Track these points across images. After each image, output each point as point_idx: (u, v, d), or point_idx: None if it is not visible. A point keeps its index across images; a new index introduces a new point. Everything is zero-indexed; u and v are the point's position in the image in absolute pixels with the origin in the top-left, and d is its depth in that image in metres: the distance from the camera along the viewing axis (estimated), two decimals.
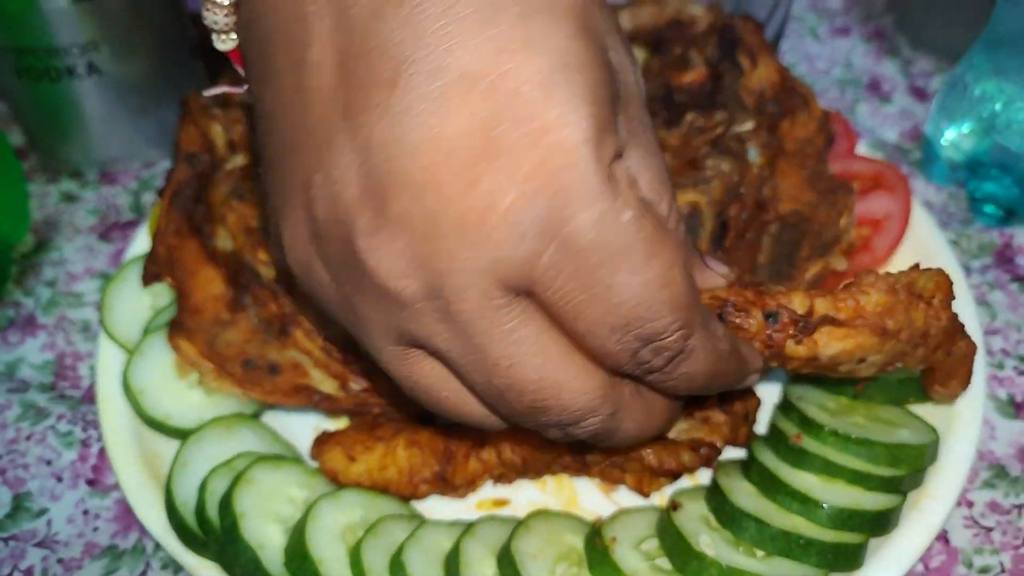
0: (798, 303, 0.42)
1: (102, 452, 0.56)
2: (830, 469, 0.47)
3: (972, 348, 0.46)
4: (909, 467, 0.47)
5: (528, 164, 0.30)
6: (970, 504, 0.53)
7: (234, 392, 0.51)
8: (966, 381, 0.48)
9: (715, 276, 0.43)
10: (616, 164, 0.32)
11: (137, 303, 0.59)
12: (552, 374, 0.34)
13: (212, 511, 0.46)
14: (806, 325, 0.42)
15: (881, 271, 0.44)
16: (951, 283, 0.43)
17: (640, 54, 0.76)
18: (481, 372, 0.35)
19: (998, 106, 0.65)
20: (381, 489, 0.50)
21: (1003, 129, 0.65)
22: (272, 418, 0.56)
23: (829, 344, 0.43)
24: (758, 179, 0.57)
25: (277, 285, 0.52)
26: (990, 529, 0.52)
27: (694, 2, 0.73)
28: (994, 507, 0.53)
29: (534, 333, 0.34)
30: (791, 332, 0.42)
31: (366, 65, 0.31)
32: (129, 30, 0.68)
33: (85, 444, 0.56)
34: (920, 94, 0.82)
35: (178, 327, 0.51)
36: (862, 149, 0.69)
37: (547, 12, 0.31)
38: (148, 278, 0.54)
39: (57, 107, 0.71)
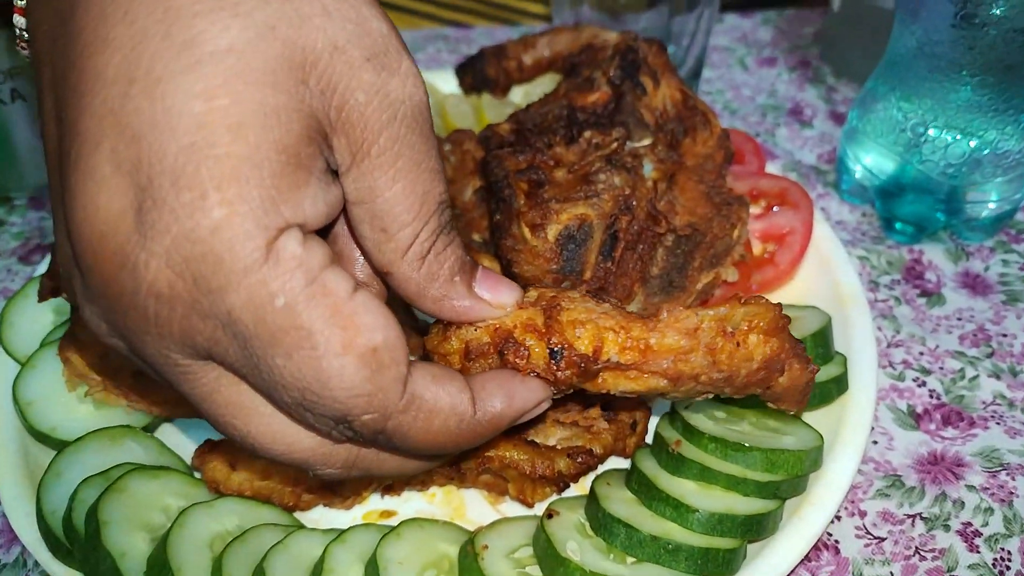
0: (586, 341, 0.41)
1: None
2: (707, 475, 0.47)
3: (808, 375, 0.44)
4: (786, 472, 0.47)
5: (162, 250, 0.30)
6: (863, 514, 0.52)
7: (120, 404, 0.51)
8: (800, 403, 0.45)
9: (490, 308, 0.41)
10: (281, 237, 0.31)
11: (39, 319, 0.59)
12: (257, 431, 0.35)
13: (79, 519, 0.45)
14: (587, 370, 0.40)
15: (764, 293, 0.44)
16: (776, 315, 0.41)
17: (556, 79, 0.77)
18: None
19: (909, 130, 0.66)
20: (264, 499, 0.50)
21: (917, 152, 0.66)
22: (166, 431, 0.56)
23: (617, 384, 0.42)
24: (652, 193, 0.57)
25: None
26: (882, 539, 0.51)
27: (610, 29, 0.75)
28: (887, 516, 0.52)
29: (233, 394, 0.34)
30: (574, 373, 0.41)
31: (70, 126, 0.31)
32: None
33: None
34: (840, 119, 0.84)
35: (69, 339, 0.51)
36: (776, 170, 0.70)
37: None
38: (44, 293, 0.54)
39: None
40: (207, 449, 0.51)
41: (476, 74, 0.78)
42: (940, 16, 0.63)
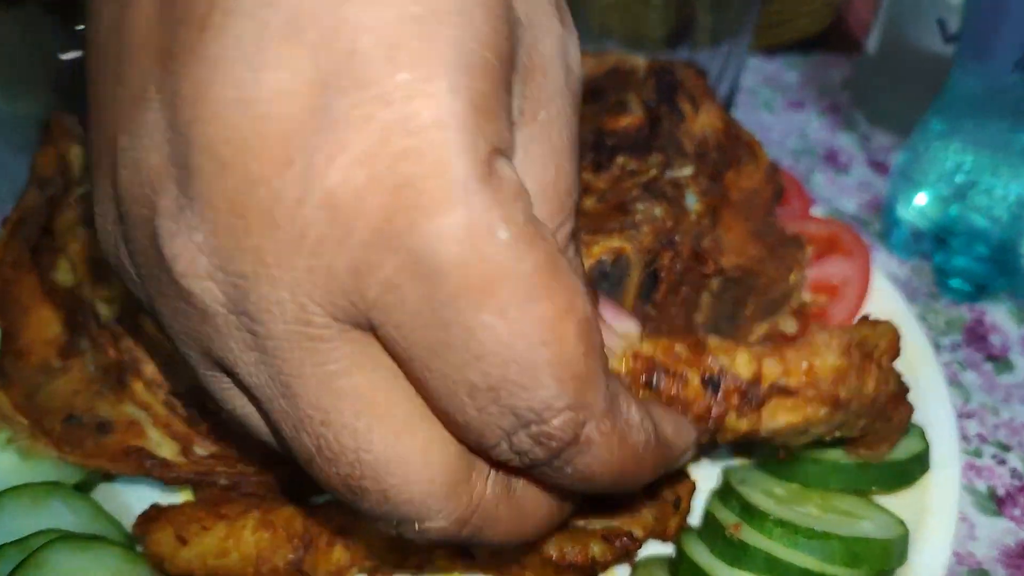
0: (743, 364, 0.34)
1: None
2: (775, 569, 0.38)
3: (909, 412, 0.40)
4: (872, 567, 0.38)
5: (361, 144, 0.22)
6: None
7: (49, 454, 0.42)
8: (893, 444, 0.41)
9: (614, 333, 0.34)
10: (497, 159, 0.23)
11: None
12: (380, 446, 0.25)
13: None
14: (754, 397, 0.34)
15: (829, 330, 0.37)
16: (899, 337, 0.37)
17: None
18: (288, 423, 0.26)
19: (961, 176, 0.60)
20: None
21: (971, 199, 0.60)
22: (106, 492, 0.46)
23: (775, 418, 0.35)
24: (696, 228, 0.50)
25: (118, 326, 0.43)
26: None
27: (635, 54, 0.68)
28: None
29: (366, 384, 0.24)
30: (735, 403, 0.34)
31: None
32: (11, 60, 0.62)
33: None
34: (879, 167, 0.77)
35: None
36: (818, 215, 0.63)
37: None
38: None
39: None
40: (153, 515, 0.41)
41: None
42: (1005, 58, 0.57)
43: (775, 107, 0.86)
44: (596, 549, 0.39)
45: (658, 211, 0.49)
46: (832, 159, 0.78)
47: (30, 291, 0.46)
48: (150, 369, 0.42)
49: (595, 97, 0.67)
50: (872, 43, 0.82)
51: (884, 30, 0.80)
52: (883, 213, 0.68)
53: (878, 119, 0.84)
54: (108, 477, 0.46)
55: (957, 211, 0.61)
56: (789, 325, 0.48)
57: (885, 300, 0.55)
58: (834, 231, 0.58)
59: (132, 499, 0.46)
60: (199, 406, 0.42)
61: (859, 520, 0.41)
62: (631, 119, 0.57)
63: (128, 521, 0.43)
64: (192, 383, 0.42)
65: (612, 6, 0.78)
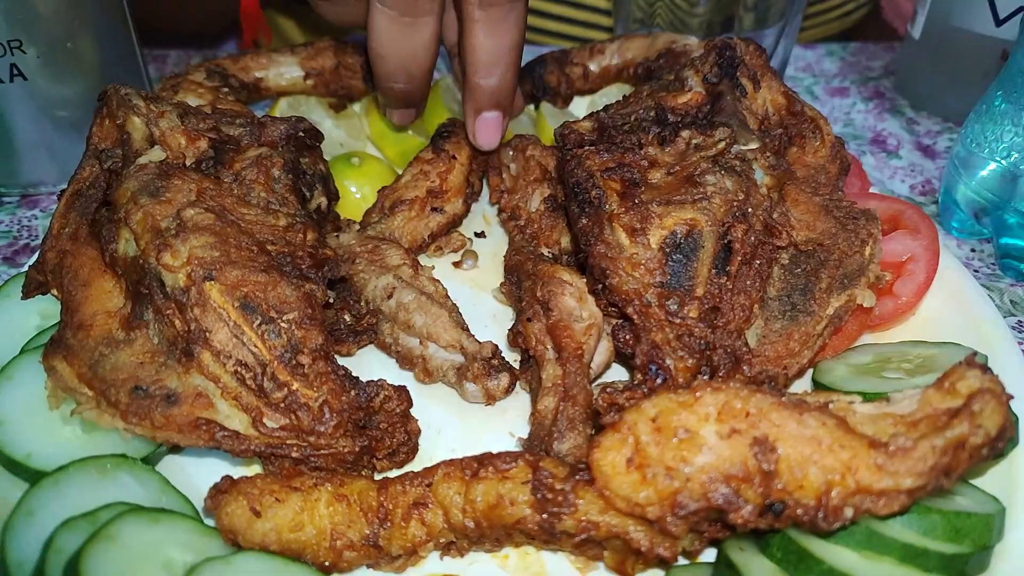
0: (810, 490, 0.35)
1: None
2: (875, 543, 0.37)
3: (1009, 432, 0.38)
4: (975, 542, 0.37)
5: None
6: None
7: (115, 425, 0.41)
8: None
9: None
10: None
11: (21, 322, 0.49)
12: None
13: (54, 573, 0.34)
14: (812, 523, 0.36)
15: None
16: (1006, 426, 0.36)
17: (623, 90, 0.69)
18: None
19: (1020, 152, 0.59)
20: (293, 555, 0.39)
21: None
22: (170, 466, 0.45)
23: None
24: (766, 201, 0.48)
25: (185, 295, 0.42)
26: None
27: (686, 35, 0.67)
28: None
29: None
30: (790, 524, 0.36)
31: None
32: (62, 32, 0.61)
33: None
34: (928, 151, 0.76)
35: (56, 345, 0.41)
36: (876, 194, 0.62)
37: None
38: (30, 288, 0.44)
39: None
40: (225, 488, 0.40)
41: (535, 81, 0.70)
42: None
43: (818, 94, 0.85)
44: (686, 541, 0.38)
45: (729, 183, 0.48)
46: (880, 143, 0.77)
47: (90, 263, 0.45)
48: (218, 339, 0.41)
49: (650, 76, 0.66)
50: (916, 29, 0.81)
51: (929, 15, 0.79)
52: (941, 194, 0.66)
53: (923, 104, 0.83)
54: (173, 450, 0.45)
55: (1020, 188, 0.60)
56: (867, 298, 0.46)
57: (952, 275, 0.54)
58: (898, 209, 0.57)
59: (194, 473, 0.45)
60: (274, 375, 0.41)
61: (954, 496, 0.40)
62: (692, 96, 0.55)
63: (194, 495, 0.42)
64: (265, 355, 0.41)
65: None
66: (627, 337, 0.45)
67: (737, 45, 0.57)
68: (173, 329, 0.42)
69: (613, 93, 0.70)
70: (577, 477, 0.38)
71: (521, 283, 0.52)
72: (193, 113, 0.51)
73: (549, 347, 0.47)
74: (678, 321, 0.44)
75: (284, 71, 0.66)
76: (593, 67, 0.70)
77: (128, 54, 0.68)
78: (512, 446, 0.47)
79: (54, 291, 0.45)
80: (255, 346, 0.41)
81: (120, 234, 0.44)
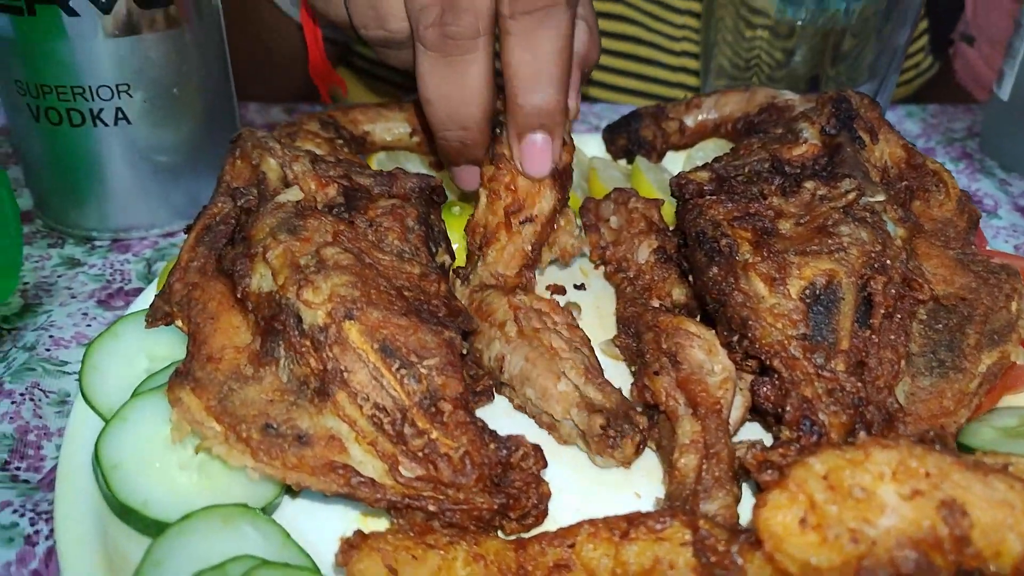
0: (1008, 559, 0.32)
1: (50, 553, 0.42)
2: None
3: None
4: None
5: None
6: None
7: (245, 463, 0.39)
8: None
9: None
10: None
11: (129, 365, 0.48)
12: None
13: None
14: None
15: None
16: None
17: (720, 145, 0.69)
18: None
19: None
20: None
21: None
22: (286, 516, 0.43)
23: None
24: (902, 254, 0.47)
25: (323, 333, 0.40)
26: None
27: (784, 91, 0.67)
28: None
29: None
30: None
31: None
32: (169, 77, 0.62)
33: (30, 541, 0.43)
34: None
35: (183, 377, 0.40)
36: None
37: None
38: (155, 318, 0.43)
39: (75, 158, 0.62)
40: (356, 543, 0.38)
41: (631, 135, 0.70)
42: None
43: None
44: None
45: (864, 234, 0.46)
46: (976, 203, 0.75)
47: (218, 297, 0.44)
48: (357, 380, 0.39)
49: (751, 131, 0.65)
50: (1004, 91, 0.80)
51: (1019, 76, 0.79)
52: None
53: (1014, 165, 0.81)
54: (288, 494, 0.43)
55: None
56: (1021, 355, 0.44)
57: None
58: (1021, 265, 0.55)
59: (317, 523, 0.42)
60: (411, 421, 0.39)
61: None
62: (808, 147, 0.55)
63: (315, 549, 0.40)
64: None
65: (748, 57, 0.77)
66: (769, 392, 0.43)
67: (852, 97, 0.56)
68: (306, 368, 0.40)
69: (710, 148, 0.69)
70: (741, 539, 0.35)
71: (640, 335, 0.50)
72: (323, 160, 0.51)
73: (681, 402, 0.45)
74: (827, 375, 0.42)
75: (391, 126, 0.66)
76: (689, 122, 0.69)
77: (227, 101, 0.68)
78: (639, 507, 0.44)
79: (178, 322, 0.44)
80: (394, 390, 0.39)
81: (255, 269, 0.43)
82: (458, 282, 0.53)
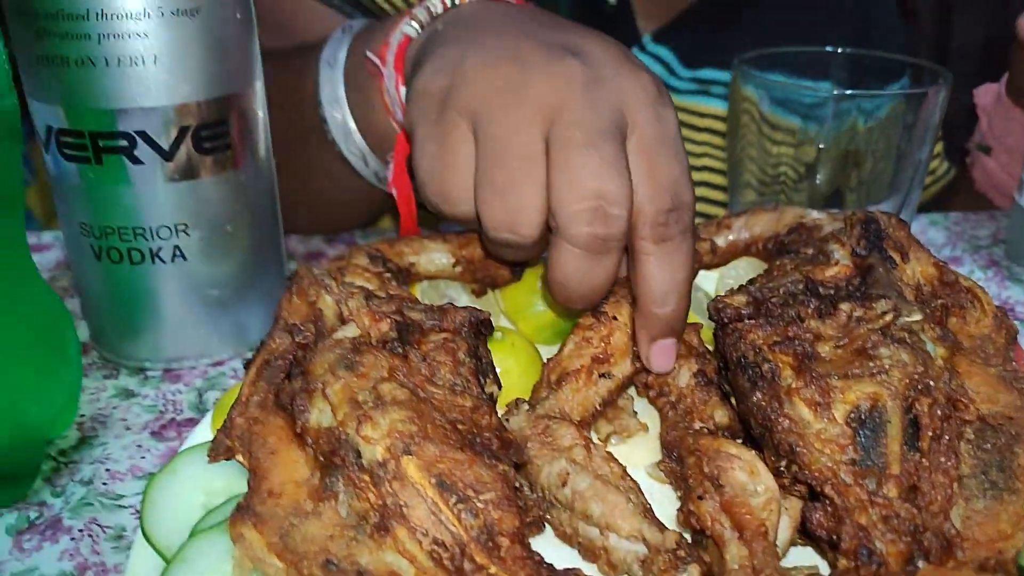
0: None
1: None
2: None
3: None
4: None
5: None
6: None
7: None
8: None
9: None
10: None
11: (187, 501, 0.49)
12: None
13: None
14: None
15: None
16: None
17: (752, 264, 0.71)
18: None
19: None
20: None
21: None
22: None
23: None
24: (944, 374, 0.48)
25: (382, 469, 0.42)
26: None
27: (811, 210, 0.69)
28: None
29: None
30: None
31: None
32: (223, 216, 0.65)
33: None
34: None
35: (245, 513, 0.41)
36: None
37: None
38: (217, 452, 0.45)
39: (133, 293, 0.66)
40: None
41: None
42: None
43: None
44: None
45: (905, 356, 0.47)
46: (1009, 311, 0.76)
47: (278, 431, 0.45)
48: (416, 516, 0.40)
49: (781, 250, 0.67)
50: None
51: None
52: None
53: None
54: None
55: None
56: None
57: None
58: None
59: None
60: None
61: None
62: (840, 268, 0.56)
63: None
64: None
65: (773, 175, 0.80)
66: (822, 518, 0.43)
67: (880, 218, 0.58)
68: (366, 503, 0.41)
69: (742, 267, 0.71)
70: None
71: (683, 460, 0.51)
72: (376, 296, 0.53)
73: (727, 526, 0.45)
74: (881, 501, 0.42)
75: (435, 257, 0.68)
76: (720, 242, 0.71)
77: (274, 235, 0.72)
78: None
79: (239, 457, 0.45)
80: (453, 525, 0.40)
81: (315, 404, 0.45)
82: (524, 407, 0.54)
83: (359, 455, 0.42)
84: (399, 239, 0.69)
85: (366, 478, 0.42)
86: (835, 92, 0.71)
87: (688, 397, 0.57)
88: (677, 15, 1.14)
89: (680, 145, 0.55)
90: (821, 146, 0.74)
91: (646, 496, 0.50)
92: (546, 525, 0.50)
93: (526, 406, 0.54)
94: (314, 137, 0.75)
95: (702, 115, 1.17)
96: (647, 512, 0.47)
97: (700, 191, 1.10)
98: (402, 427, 0.43)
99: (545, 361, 0.58)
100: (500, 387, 0.56)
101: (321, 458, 0.44)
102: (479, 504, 0.41)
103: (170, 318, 0.67)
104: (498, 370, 0.63)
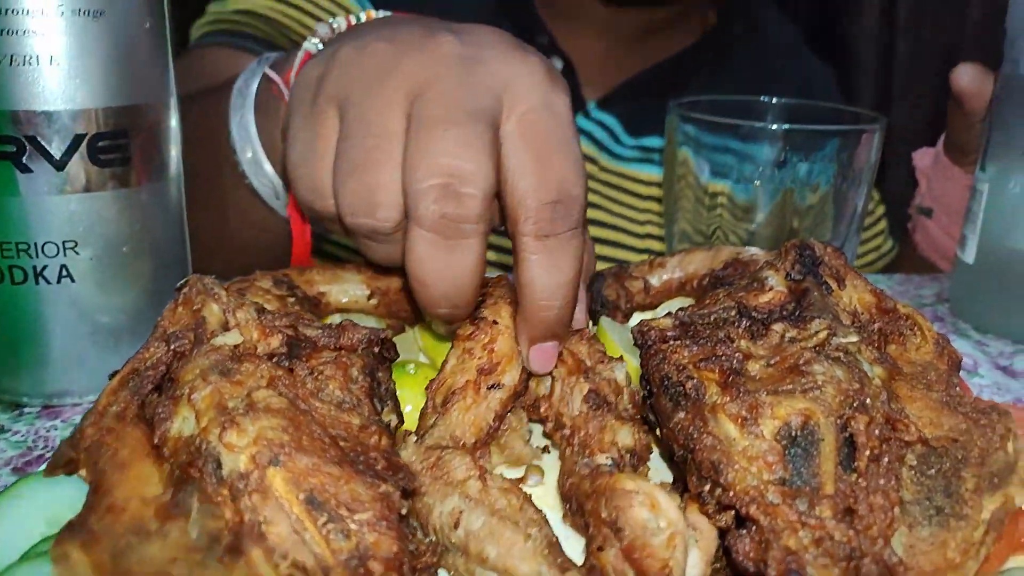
0: None
1: None
2: None
3: None
4: None
5: None
6: None
7: None
8: None
9: None
10: None
11: (26, 528, 0.42)
12: None
13: None
14: None
15: None
16: None
17: (686, 304, 0.67)
18: None
19: None
20: None
21: None
22: None
23: None
24: (883, 393, 0.44)
25: (242, 481, 0.36)
26: None
27: (747, 248, 0.67)
28: None
29: None
30: None
31: None
32: (119, 236, 0.60)
33: None
34: (1009, 371, 0.72)
35: (74, 531, 0.35)
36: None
37: None
38: (56, 465, 0.39)
39: (13, 318, 0.59)
40: None
41: (594, 295, 0.68)
42: None
43: None
44: None
45: (840, 373, 0.43)
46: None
47: (133, 444, 0.39)
48: (275, 534, 0.34)
49: (716, 286, 0.64)
50: (968, 254, 0.81)
51: (981, 239, 0.80)
52: None
53: (988, 327, 0.80)
54: None
55: None
56: None
57: None
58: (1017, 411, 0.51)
59: None
60: None
61: None
62: (774, 294, 0.53)
63: None
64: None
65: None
66: (748, 547, 0.38)
67: (815, 246, 0.56)
68: (220, 521, 0.35)
69: (675, 307, 0.67)
70: None
71: (582, 507, 0.45)
72: (270, 312, 0.48)
73: (631, 575, 0.39)
74: (812, 522, 0.37)
75: (348, 288, 0.64)
76: (654, 281, 0.68)
77: (180, 267, 0.67)
78: None
79: (83, 471, 0.39)
80: (318, 546, 0.34)
81: (178, 411, 0.39)
82: (412, 438, 0.49)
83: (219, 465, 0.37)
84: (311, 267, 0.64)
85: (224, 492, 0.36)
86: (772, 127, 0.70)
87: (582, 428, 0.50)
88: (621, 83, 1.15)
89: (572, 135, 0.50)
90: (757, 183, 0.72)
91: (565, 541, 0.44)
92: (440, 573, 0.43)
93: (413, 437, 0.48)
94: (227, 172, 0.71)
95: (646, 183, 1.17)
96: (551, 548, 0.41)
97: (641, 259, 1.08)
98: (272, 435, 0.37)
99: (427, 384, 0.52)
100: (402, 420, 0.50)
101: (177, 472, 0.38)
102: (352, 525, 0.36)
103: (54, 347, 0.61)
104: (408, 408, 0.57)
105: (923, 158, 0.97)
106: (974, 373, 0.71)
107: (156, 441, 0.39)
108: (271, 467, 0.36)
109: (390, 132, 0.48)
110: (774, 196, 0.74)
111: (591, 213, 1.13)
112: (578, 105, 1.13)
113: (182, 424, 0.39)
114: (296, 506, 0.35)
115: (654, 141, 1.15)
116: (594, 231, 1.13)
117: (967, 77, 0.82)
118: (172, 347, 0.45)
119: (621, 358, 0.54)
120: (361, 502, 0.36)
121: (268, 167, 0.68)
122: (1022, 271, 0.76)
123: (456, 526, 0.43)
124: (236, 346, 0.45)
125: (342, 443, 0.40)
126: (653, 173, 1.15)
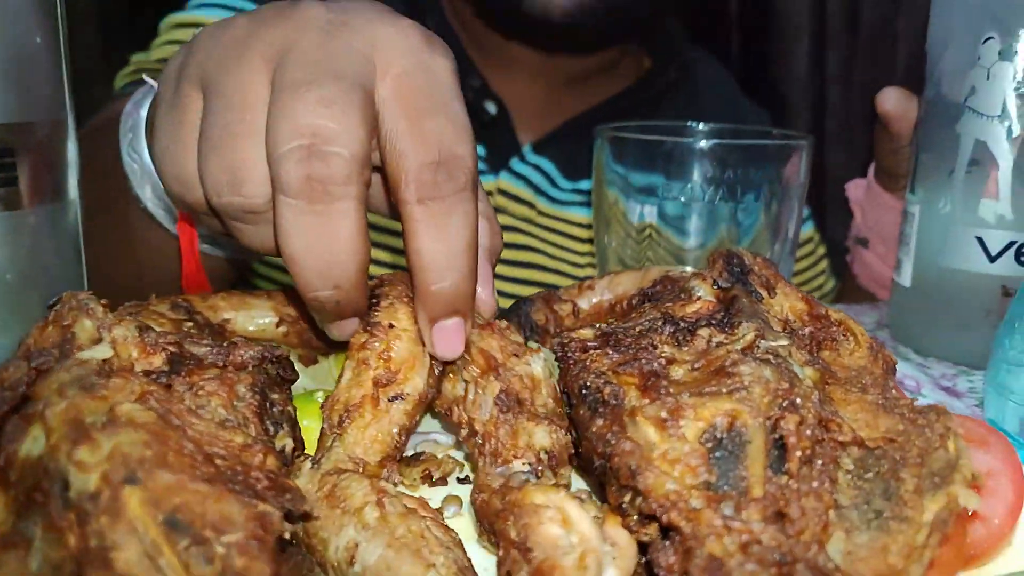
0: None
1: None
2: None
3: None
4: None
5: None
6: None
7: None
8: None
9: None
10: None
11: None
12: None
13: None
14: None
15: None
16: None
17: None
18: None
19: None
20: None
21: None
22: None
23: None
24: (815, 394, 0.41)
25: (92, 502, 0.31)
26: None
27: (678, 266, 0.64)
28: None
29: None
30: None
31: None
32: (3, 264, 0.55)
33: None
34: (949, 391, 0.70)
35: None
36: None
37: None
38: None
39: None
40: None
41: (522, 320, 0.65)
42: None
43: None
44: None
45: (768, 373, 0.40)
46: (900, 384, 0.71)
47: None
48: (122, 560, 0.30)
49: (649, 300, 0.61)
50: (904, 277, 0.80)
51: (917, 261, 0.79)
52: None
53: (928, 350, 0.79)
54: None
55: None
56: (970, 499, 0.37)
57: None
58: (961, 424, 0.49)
59: None
60: None
61: None
62: (702, 304, 0.50)
63: None
64: None
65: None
66: (671, 559, 0.34)
67: (744, 255, 0.53)
68: (64, 550, 0.30)
69: None
70: None
71: (494, 527, 0.41)
72: (156, 332, 0.44)
73: None
74: (738, 526, 0.33)
75: (256, 315, 0.59)
76: (583, 304, 0.65)
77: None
78: None
79: None
80: (173, 573, 0.30)
81: (29, 431, 0.35)
82: (307, 464, 0.44)
83: (66, 487, 0.32)
84: (216, 293, 0.60)
85: (71, 516, 0.31)
86: (701, 143, 0.69)
87: (493, 435, 0.46)
88: (557, 127, 1.14)
89: (454, 96, 0.46)
90: (682, 199, 0.70)
91: (483, 572, 0.40)
92: None
93: (309, 463, 0.43)
94: (123, 200, 0.67)
95: (584, 226, 1.15)
96: (462, 574, 0.37)
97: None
98: (130, 450, 0.33)
99: (321, 403, 0.47)
100: (301, 446, 0.45)
101: (20, 498, 0.33)
102: (218, 548, 0.31)
103: None
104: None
105: (856, 189, 0.97)
106: (917, 394, 0.69)
107: (1, 464, 0.35)
108: (127, 486, 0.32)
109: (251, 103, 0.44)
110: (707, 219, 0.73)
111: (529, 256, 1.11)
112: (513, 149, 1.12)
113: (32, 445, 0.35)
114: (153, 528, 0.31)
115: (591, 184, 1.15)
116: (533, 274, 1.11)
117: (892, 100, 0.82)
118: (34, 364, 0.40)
119: (539, 349, 0.51)
120: (232, 522, 0.32)
121: (157, 179, 0.64)
122: (957, 291, 0.75)
123: (352, 562, 0.38)
124: (106, 360, 0.40)
125: (219, 461, 0.36)
126: (590, 216, 1.14)
